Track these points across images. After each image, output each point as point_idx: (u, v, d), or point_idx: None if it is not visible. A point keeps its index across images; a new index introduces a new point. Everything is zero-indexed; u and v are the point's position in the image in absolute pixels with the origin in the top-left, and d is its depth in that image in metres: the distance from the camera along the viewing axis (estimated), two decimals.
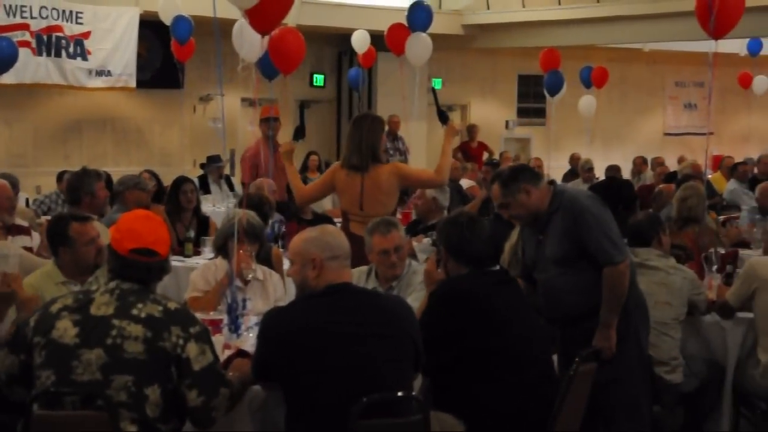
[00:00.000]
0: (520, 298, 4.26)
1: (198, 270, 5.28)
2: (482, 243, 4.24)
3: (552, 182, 4.74)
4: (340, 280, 3.64)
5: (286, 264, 5.67)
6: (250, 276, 4.96)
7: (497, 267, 4.36)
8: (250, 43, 5.40)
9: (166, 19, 11.57)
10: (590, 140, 16.11)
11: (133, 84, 13.16)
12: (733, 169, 12.42)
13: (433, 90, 7.50)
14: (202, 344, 3.42)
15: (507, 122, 19.07)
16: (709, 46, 7.44)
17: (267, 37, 5.75)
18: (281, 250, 6.45)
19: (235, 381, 3.62)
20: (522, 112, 19.24)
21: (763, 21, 12.85)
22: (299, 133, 6.59)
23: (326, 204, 9.66)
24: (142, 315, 3.37)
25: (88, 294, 3.50)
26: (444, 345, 4.04)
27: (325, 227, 3.85)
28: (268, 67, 8.97)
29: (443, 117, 6.62)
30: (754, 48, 16.54)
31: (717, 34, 7.25)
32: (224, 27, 7.48)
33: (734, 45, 16.69)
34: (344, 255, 3.69)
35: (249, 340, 4.20)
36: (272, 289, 5.21)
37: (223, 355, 3.96)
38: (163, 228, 3.61)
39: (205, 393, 3.39)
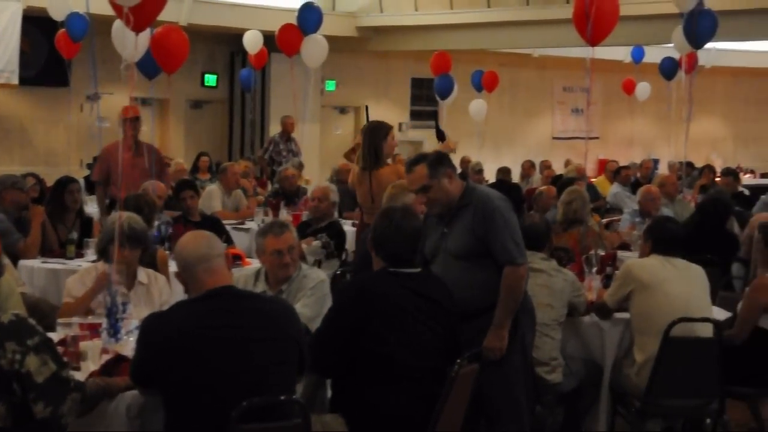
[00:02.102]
0: (431, 301, 4.19)
1: (75, 275, 5.14)
2: (403, 240, 4.22)
3: (464, 177, 4.81)
4: (221, 283, 3.61)
5: (173, 266, 5.60)
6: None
7: (416, 269, 4.29)
8: (131, 42, 5.31)
9: (58, 15, 11.29)
10: (481, 143, 16.34)
11: (15, 81, 12.81)
12: (616, 173, 12.75)
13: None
14: (43, 355, 3.32)
15: (400, 125, 19.20)
16: (591, 52, 7.64)
17: (149, 36, 5.68)
18: (167, 252, 6.36)
19: (103, 384, 3.56)
20: (415, 115, 19.41)
21: (639, 29, 13.28)
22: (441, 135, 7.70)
23: (216, 205, 9.57)
24: None
25: None
26: (341, 342, 4.05)
27: (199, 231, 3.83)
28: (151, 65, 8.81)
29: (440, 135, 7.57)
30: (637, 55, 17.04)
31: (594, 41, 7.47)
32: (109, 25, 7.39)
33: (618, 52, 17.19)
34: (221, 256, 3.66)
35: (129, 345, 4.13)
36: (157, 293, 5.11)
37: (101, 360, 3.89)
38: None
39: (52, 403, 3.30)
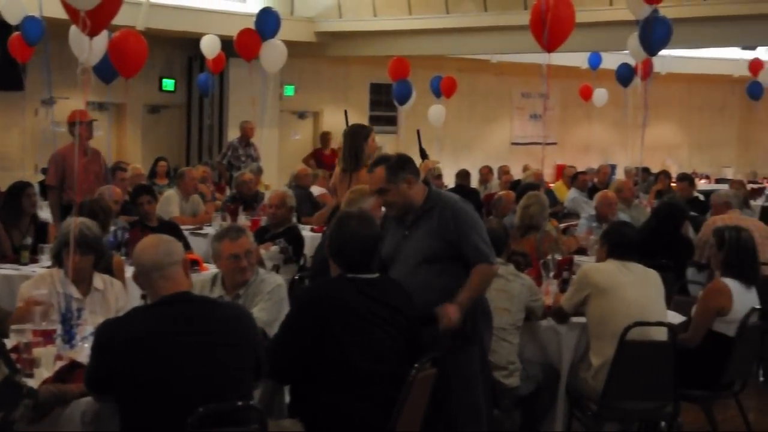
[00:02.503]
0: (389, 306, 4.18)
1: (30, 281, 5.08)
2: (359, 246, 4.20)
3: (426, 182, 4.81)
4: (178, 289, 3.58)
5: (129, 272, 5.56)
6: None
7: (373, 275, 4.26)
8: (89, 46, 5.26)
9: (12, 18, 11.15)
10: (440, 148, 16.38)
11: None
12: (574, 179, 12.84)
13: (417, 131, 8.09)
14: None
15: None
16: (548, 58, 7.70)
17: (107, 40, 5.64)
18: (123, 257, 6.32)
19: (57, 391, 3.52)
20: (374, 120, 19.39)
21: (595, 36, 13.41)
22: (424, 154, 7.73)
23: (174, 211, 9.51)
24: None
25: None
26: (298, 348, 4.04)
27: (159, 236, 3.79)
28: (108, 70, 8.74)
29: (423, 154, 7.58)
30: (594, 62, 17.18)
31: (550, 47, 7.53)
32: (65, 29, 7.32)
33: (576, 58, 17.32)
34: (179, 262, 3.63)
35: (84, 351, 4.08)
36: (113, 299, 5.06)
37: (55, 366, 3.84)
38: None
39: (3, 409, 3.28)
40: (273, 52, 11.86)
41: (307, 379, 4.09)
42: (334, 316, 4.06)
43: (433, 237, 4.60)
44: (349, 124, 7.73)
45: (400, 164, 4.69)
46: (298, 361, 4.06)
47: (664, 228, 7.79)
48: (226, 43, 13.23)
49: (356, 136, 7.06)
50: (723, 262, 5.58)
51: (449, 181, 13.52)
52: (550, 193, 11.24)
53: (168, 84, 16.59)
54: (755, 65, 17.75)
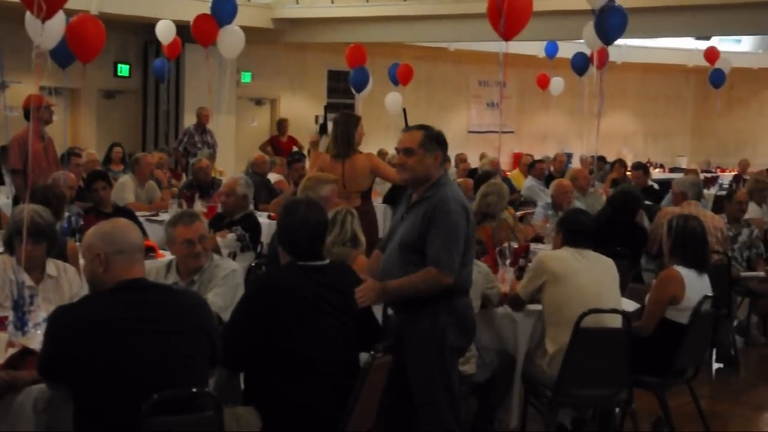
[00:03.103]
0: (340, 293, 4.19)
1: None
2: (307, 234, 4.18)
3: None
4: (131, 276, 3.55)
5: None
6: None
7: (324, 261, 4.24)
8: (45, 30, 5.19)
9: None
10: (398, 136, 16.34)
11: None
12: (530, 167, 12.90)
13: (404, 110, 8.15)
14: None
15: (317, 117, 19.16)
16: (505, 47, 7.72)
17: (64, 24, 5.56)
18: (77, 244, 6.24)
19: (8, 378, 3.48)
20: (331, 108, 19.36)
21: (551, 24, 13.47)
22: (323, 129, 8.46)
23: (129, 197, 9.42)
24: None
25: None
26: (250, 336, 4.03)
27: (115, 221, 3.73)
28: (65, 54, 8.62)
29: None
30: (551, 51, 17.26)
31: (507, 35, 7.55)
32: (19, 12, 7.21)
33: (533, 47, 17.40)
34: (133, 249, 3.58)
35: (36, 338, 4.04)
36: (67, 286, 5.02)
37: (7, 353, 3.79)
38: None
39: None
40: (231, 39, 11.78)
41: (259, 368, 4.08)
42: (285, 304, 4.05)
43: (415, 226, 4.55)
44: (342, 111, 8.22)
45: (438, 138, 4.64)
46: (248, 349, 4.05)
47: (618, 216, 7.86)
48: (183, 28, 13.11)
49: (349, 123, 7.37)
50: (670, 249, 5.66)
51: None
52: (507, 181, 11.29)
53: (123, 69, 16.42)
54: (711, 53, 17.94)
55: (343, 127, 7.30)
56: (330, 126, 8.95)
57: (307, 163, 10.62)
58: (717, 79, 17.47)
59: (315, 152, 8.10)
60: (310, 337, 4.04)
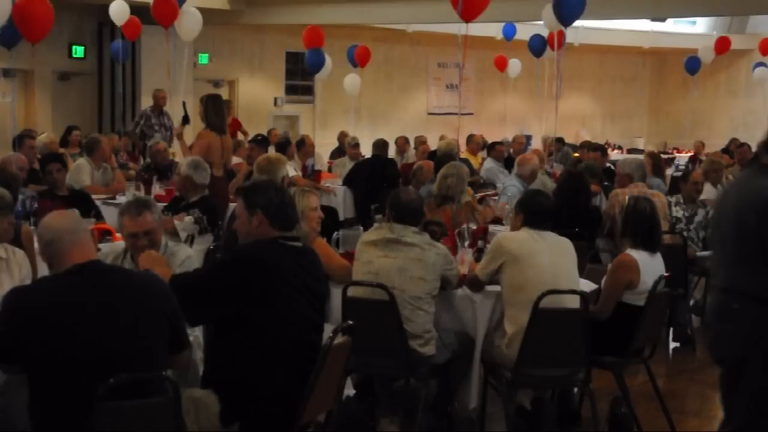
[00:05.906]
0: (311, 276, 4.22)
1: None
2: (291, 205, 4.33)
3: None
4: (86, 258, 3.51)
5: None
6: None
7: (299, 243, 4.29)
8: None
9: None
10: (357, 118, 16.35)
11: None
12: (490, 149, 12.93)
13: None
14: None
15: (276, 99, 19.06)
16: (465, 28, 7.70)
17: (10, 4, 5.43)
18: (32, 227, 6.16)
19: None
20: (290, 90, 19.27)
21: (511, 6, 13.48)
22: (186, 120, 9.67)
23: (85, 180, 9.31)
24: None
25: None
26: (218, 296, 4.04)
27: (63, 210, 3.73)
28: (11, 34, 8.46)
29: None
30: (509, 32, 17.27)
31: (467, 17, 7.51)
32: None
33: (491, 29, 17.41)
34: (87, 230, 3.60)
35: None
36: (17, 268, 4.97)
37: None
38: None
39: None
40: (189, 20, 11.67)
41: (220, 345, 4.06)
42: (261, 278, 4.04)
43: None
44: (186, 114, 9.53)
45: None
46: (211, 309, 4.06)
47: (568, 199, 7.86)
48: (139, 9, 12.94)
49: (219, 101, 8.48)
50: (621, 229, 5.70)
51: (366, 150, 13.50)
52: (466, 162, 11.30)
53: (78, 50, 16.22)
54: (721, 43, 17.81)
55: (217, 105, 8.49)
56: (191, 116, 10.33)
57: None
58: (692, 66, 17.64)
59: (183, 142, 9.43)
60: (279, 315, 4.03)
